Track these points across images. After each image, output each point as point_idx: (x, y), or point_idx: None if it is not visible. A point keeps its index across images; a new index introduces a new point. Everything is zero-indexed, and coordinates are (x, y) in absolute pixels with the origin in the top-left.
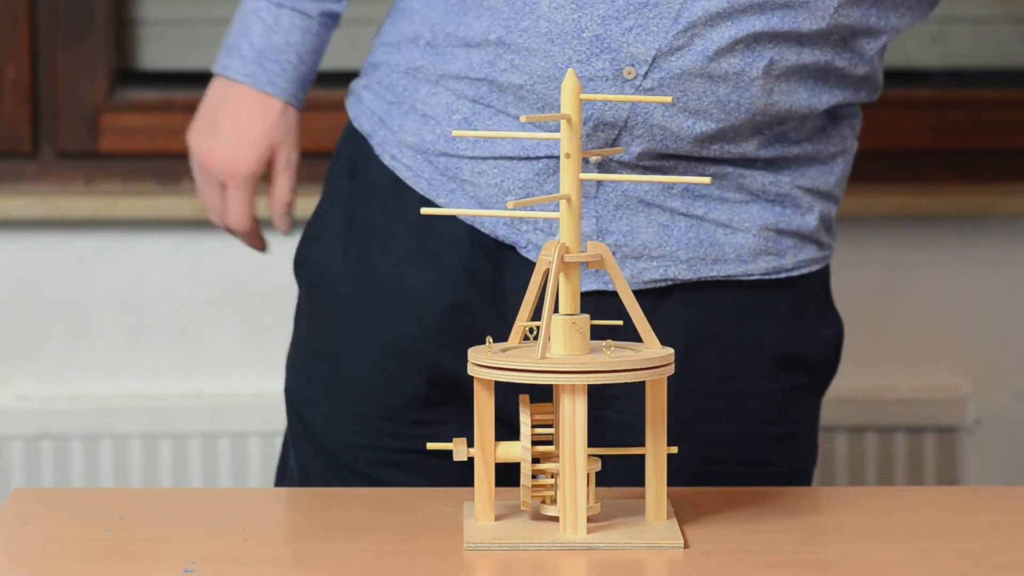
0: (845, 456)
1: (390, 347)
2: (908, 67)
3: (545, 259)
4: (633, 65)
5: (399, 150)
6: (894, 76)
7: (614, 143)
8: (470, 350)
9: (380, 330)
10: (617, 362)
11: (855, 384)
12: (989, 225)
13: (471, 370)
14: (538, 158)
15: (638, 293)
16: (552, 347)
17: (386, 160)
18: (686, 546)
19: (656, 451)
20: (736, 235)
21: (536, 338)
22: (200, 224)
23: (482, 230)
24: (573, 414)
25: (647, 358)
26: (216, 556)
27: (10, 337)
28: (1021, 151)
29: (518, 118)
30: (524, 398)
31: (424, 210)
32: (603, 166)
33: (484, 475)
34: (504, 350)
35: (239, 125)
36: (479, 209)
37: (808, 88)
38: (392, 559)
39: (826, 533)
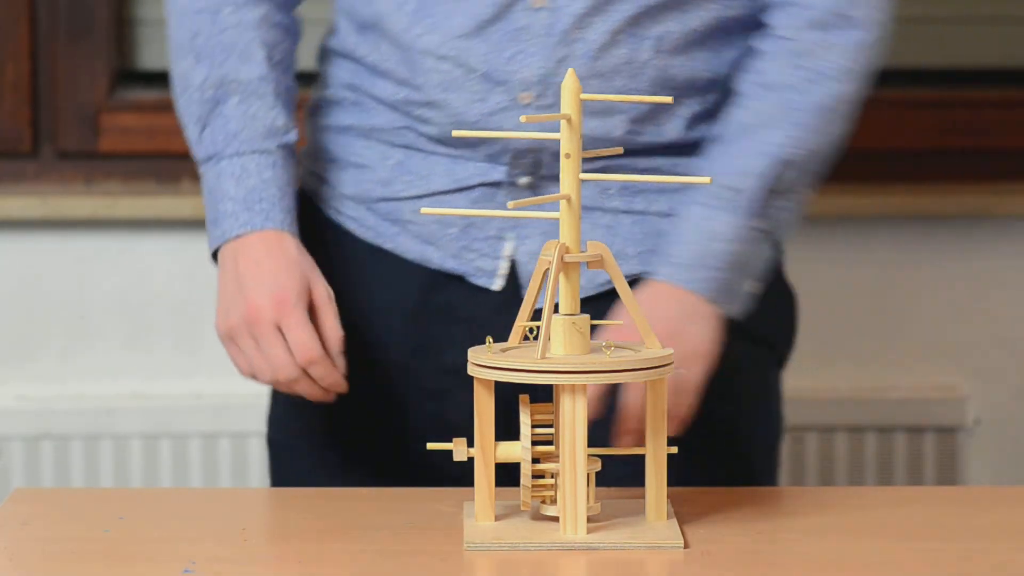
0: (845, 456)
1: (358, 398)
2: (908, 67)
3: (545, 259)
4: (527, 90)
5: (341, 203)
6: (894, 76)
7: (537, 166)
8: (470, 350)
9: (352, 382)
10: (617, 362)
11: (855, 384)
12: (989, 225)
13: (471, 370)
14: (472, 187)
15: (595, 297)
16: (552, 347)
17: (331, 215)
18: (686, 546)
19: (656, 451)
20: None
21: (536, 338)
22: (200, 224)
23: (430, 266)
24: (573, 414)
25: (647, 358)
26: (216, 556)
27: (10, 337)
28: (1021, 151)
29: (449, 155)
30: (524, 398)
31: (424, 210)
32: (535, 187)
33: (484, 475)
34: (504, 350)
35: (265, 267)
36: (424, 246)
37: (708, 50)
38: (392, 559)
39: (826, 533)
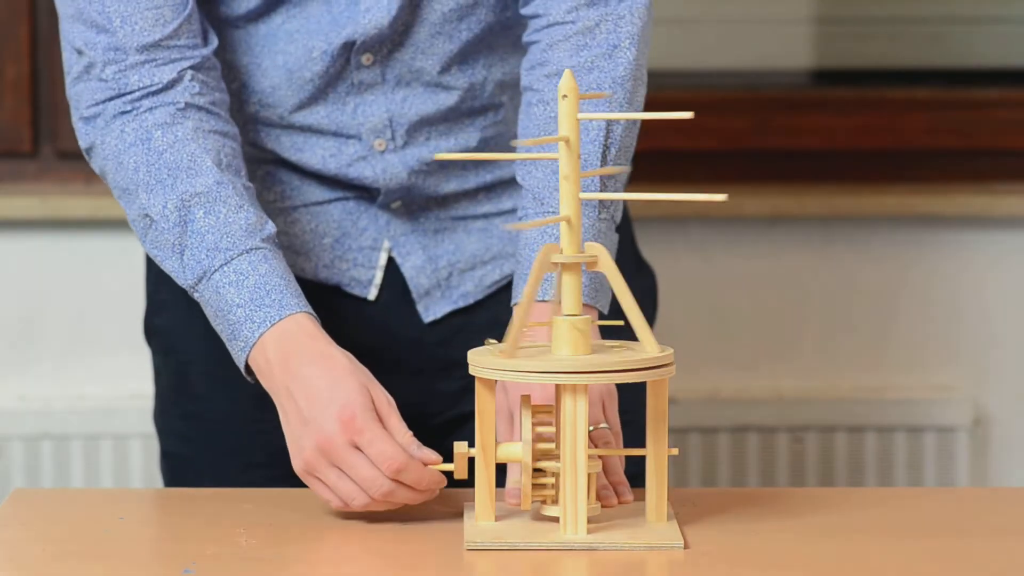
0: (845, 456)
1: (253, 401)
2: (907, 67)
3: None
4: (378, 137)
5: None
6: (893, 76)
7: (408, 193)
8: (470, 352)
9: (240, 386)
10: (619, 362)
11: (855, 384)
12: (988, 225)
13: (472, 370)
14: (347, 199)
15: (489, 298)
16: (553, 347)
17: None
18: (686, 546)
19: (656, 451)
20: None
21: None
22: None
23: (303, 276)
24: (574, 414)
25: (648, 359)
26: (216, 556)
27: (10, 337)
28: (1021, 151)
29: (314, 174)
30: (525, 398)
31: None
32: (410, 208)
33: (484, 475)
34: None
35: (322, 392)
36: (296, 257)
37: (518, 56)
38: (392, 559)
39: (826, 533)
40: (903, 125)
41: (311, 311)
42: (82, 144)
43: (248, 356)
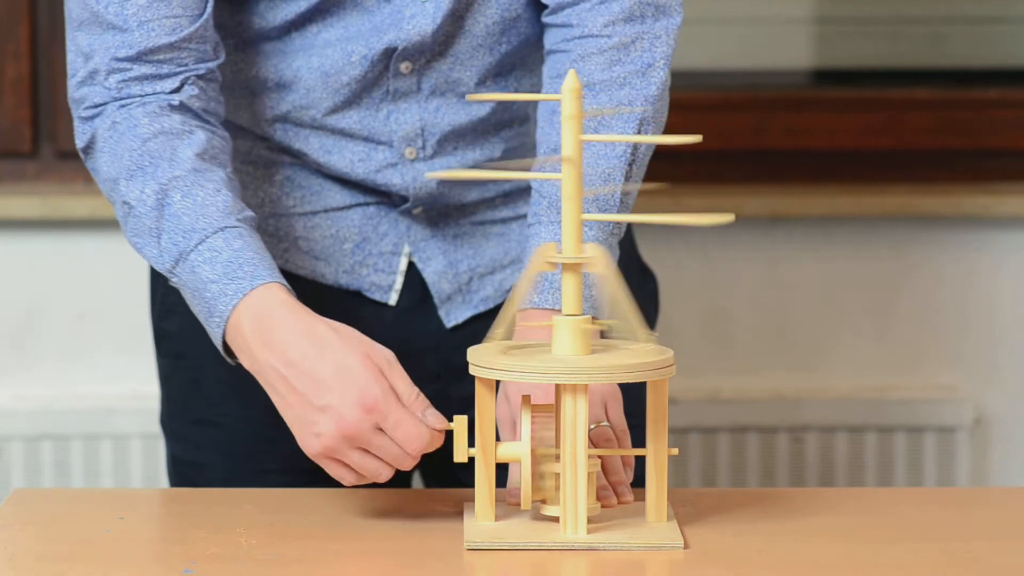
0: (845, 456)
1: (267, 407)
2: (908, 67)
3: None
4: (409, 145)
5: None
6: (894, 76)
7: (433, 201)
8: (469, 349)
9: (254, 392)
10: (619, 362)
11: (855, 384)
12: (989, 225)
13: (472, 370)
14: (368, 204)
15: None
16: (554, 347)
17: None
18: (686, 546)
19: (656, 451)
20: None
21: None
22: None
23: (324, 282)
24: (574, 414)
25: (649, 359)
26: (216, 556)
27: (10, 337)
28: (1021, 151)
29: (337, 178)
30: (525, 398)
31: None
32: (430, 215)
33: (484, 475)
34: (506, 350)
35: (327, 374)
36: (316, 263)
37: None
38: (392, 559)
39: (826, 533)
40: (904, 125)
41: (285, 283)
42: (80, 143)
43: (225, 333)
